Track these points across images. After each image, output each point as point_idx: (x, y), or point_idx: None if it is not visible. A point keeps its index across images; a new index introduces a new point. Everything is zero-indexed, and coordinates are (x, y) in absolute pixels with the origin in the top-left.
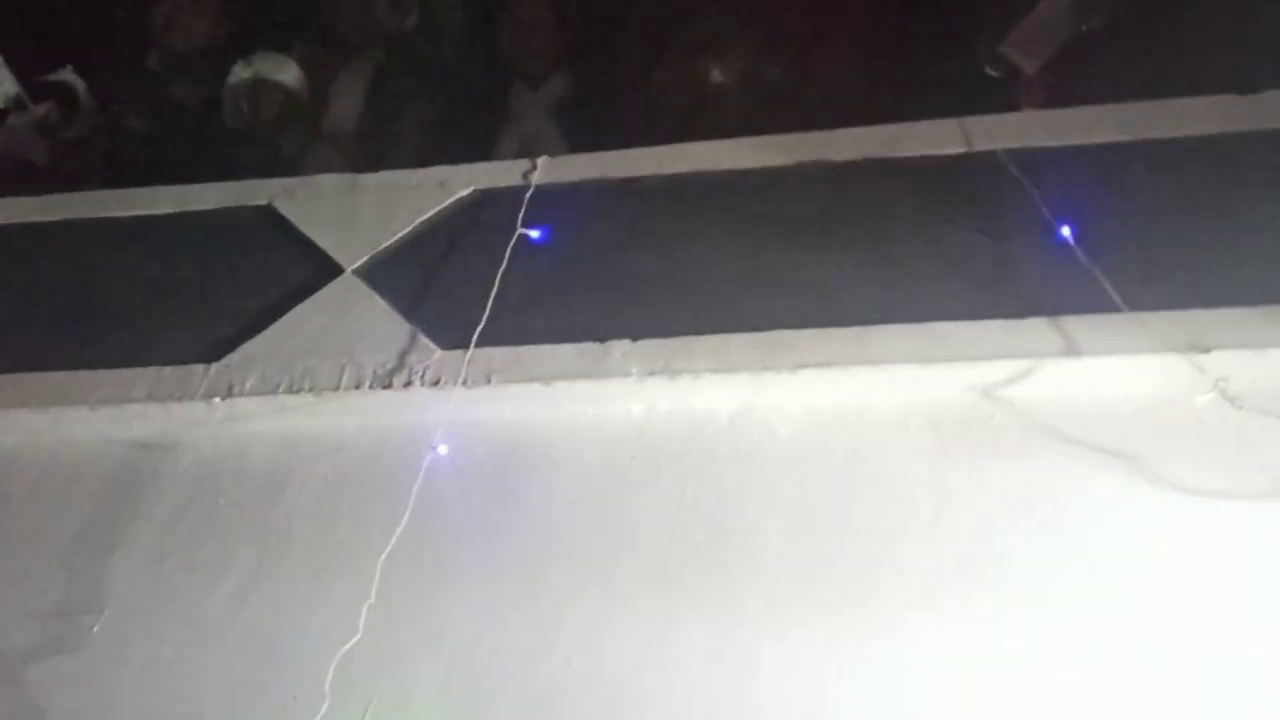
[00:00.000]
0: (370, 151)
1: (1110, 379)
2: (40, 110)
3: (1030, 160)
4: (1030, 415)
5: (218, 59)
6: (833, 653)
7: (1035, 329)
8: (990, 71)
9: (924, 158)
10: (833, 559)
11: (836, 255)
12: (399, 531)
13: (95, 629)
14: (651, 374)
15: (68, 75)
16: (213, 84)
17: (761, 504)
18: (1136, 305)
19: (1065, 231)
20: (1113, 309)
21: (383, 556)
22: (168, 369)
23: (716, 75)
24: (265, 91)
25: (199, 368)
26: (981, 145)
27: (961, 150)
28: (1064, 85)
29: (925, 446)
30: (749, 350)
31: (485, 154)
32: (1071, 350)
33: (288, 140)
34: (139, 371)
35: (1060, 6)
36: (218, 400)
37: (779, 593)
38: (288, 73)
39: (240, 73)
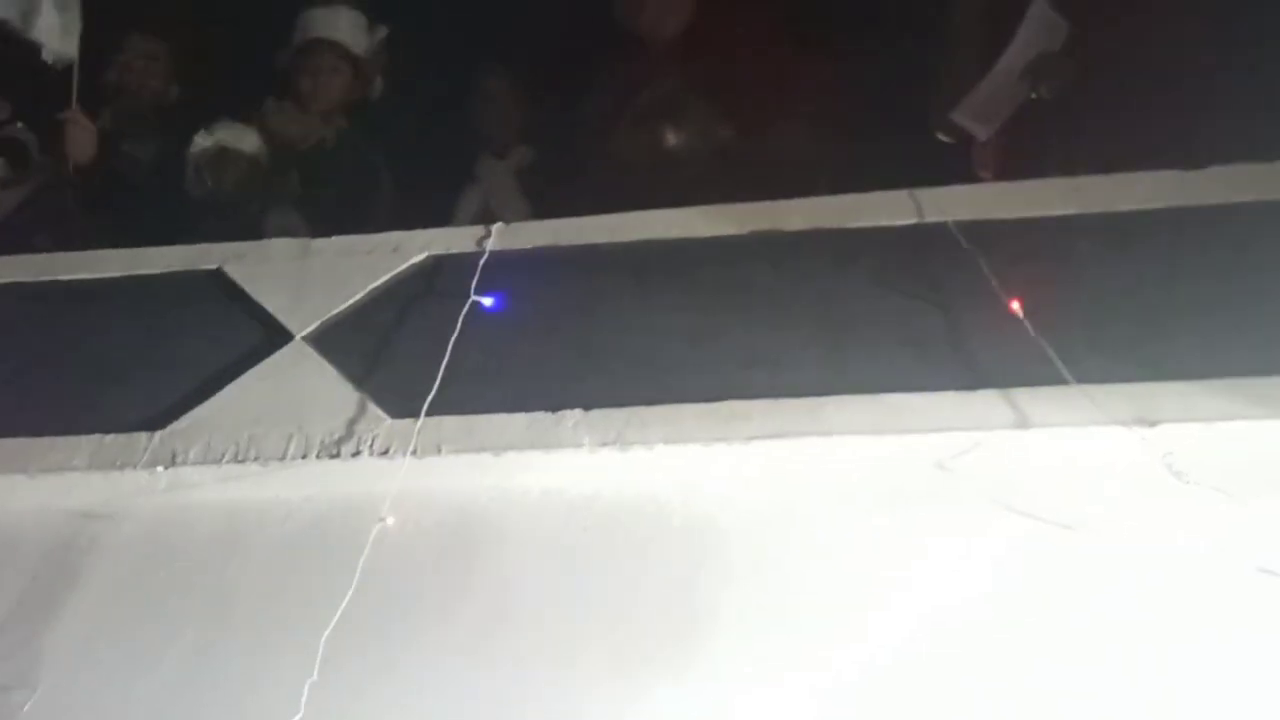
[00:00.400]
0: (332, 216)
1: (1059, 451)
2: None
3: (981, 232)
4: (981, 486)
5: (169, 117)
6: None
7: (986, 401)
8: (941, 137)
9: (876, 228)
10: (790, 628)
11: (789, 325)
12: (343, 606)
13: (26, 708)
14: (604, 444)
15: (18, 130)
16: (164, 142)
17: (717, 575)
18: (1085, 378)
19: (1015, 304)
20: (1061, 381)
21: (326, 632)
22: (110, 436)
23: (670, 138)
24: (227, 160)
25: (143, 435)
26: (933, 216)
27: (913, 221)
28: (1015, 151)
29: (879, 517)
30: (702, 421)
31: (446, 218)
32: (1021, 422)
33: (247, 208)
34: (81, 439)
35: (1011, 74)
36: (161, 469)
37: (738, 663)
38: (248, 141)
39: (202, 141)
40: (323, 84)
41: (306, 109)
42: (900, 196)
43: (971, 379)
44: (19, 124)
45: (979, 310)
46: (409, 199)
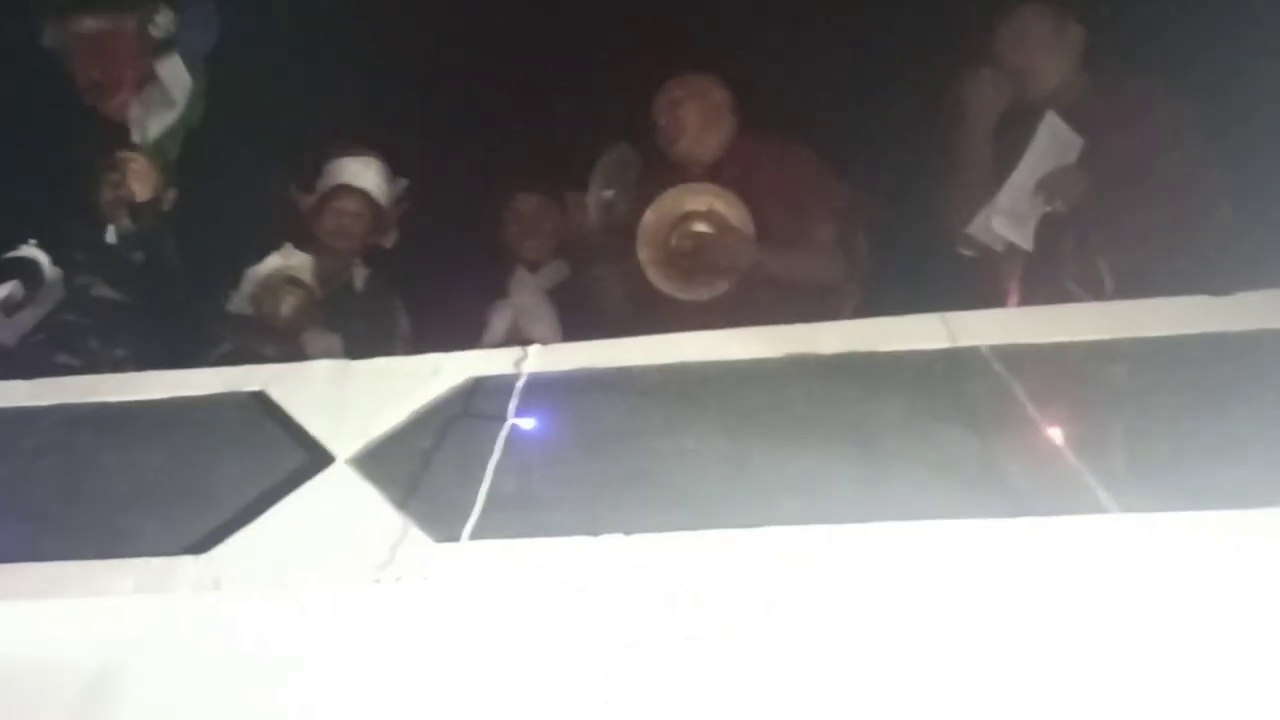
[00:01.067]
0: (366, 340)
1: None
2: (4, 290)
3: (1014, 357)
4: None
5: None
6: None
7: (1024, 530)
8: (964, 251)
9: (908, 352)
10: None
11: (821, 452)
12: None
13: None
14: (638, 568)
15: (30, 250)
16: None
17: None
18: (1126, 506)
19: (1052, 430)
20: (1101, 510)
21: None
22: (155, 560)
23: (701, 229)
24: (289, 289)
25: (187, 559)
26: (965, 341)
27: (945, 345)
28: (1031, 264)
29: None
30: (741, 547)
31: (477, 332)
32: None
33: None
34: (124, 563)
35: (1025, 188)
36: (205, 593)
37: None
38: (308, 271)
39: (271, 264)
40: (347, 225)
41: (324, 250)
42: (931, 320)
43: (1008, 507)
44: (31, 241)
45: (1014, 436)
46: (442, 315)
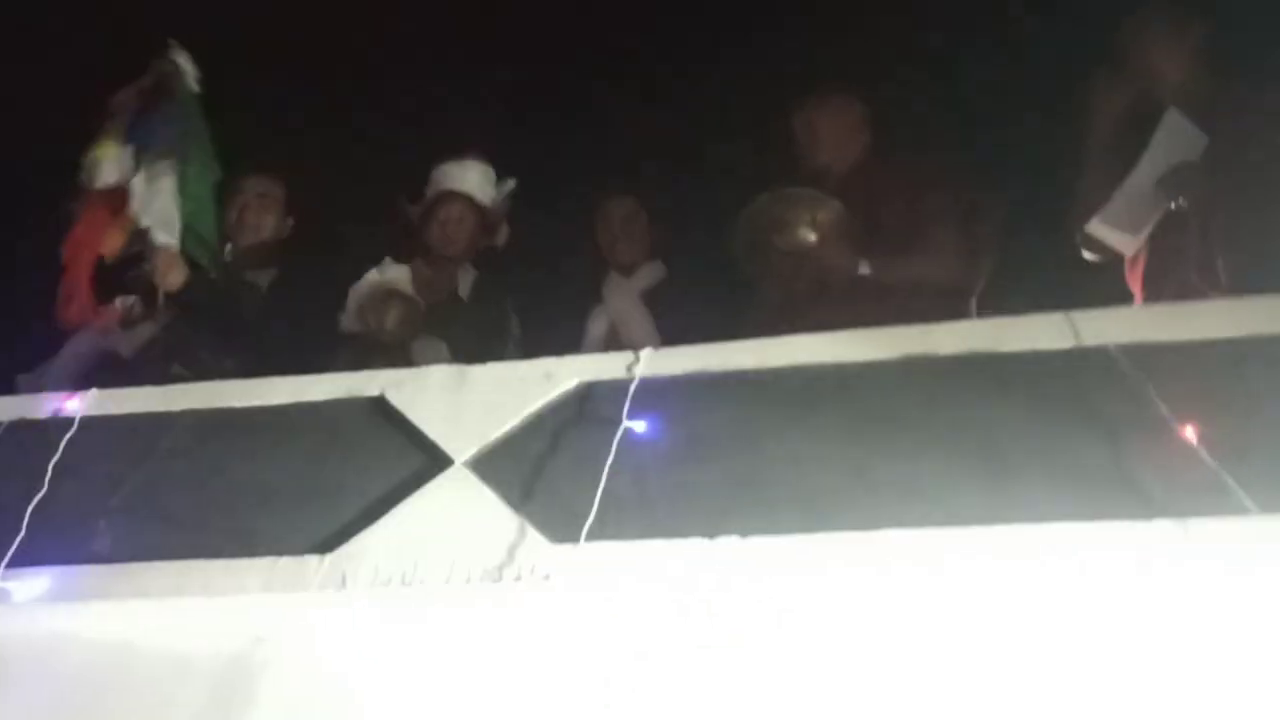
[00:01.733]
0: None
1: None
2: (124, 303)
3: (1144, 356)
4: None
5: (284, 250)
6: None
7: (1161, 532)
8: (1089, 257)
9: (1031, 352)
10: None
11: (943, 453)
12: None
13: None
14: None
15: (148, 270)
16: (281, 271)
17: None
18: (1267, 507)
19: (1187, 430)
20: (1241, 511)
21: None
22: (283, 560)
23: (808, 235)
24: (392, 301)
25: (313, 559)
26: (1091, 340)
27: (1070, 345)
28: (1155, 263)
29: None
30: (855, 551)
31: (578, 337)
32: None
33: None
34: (254, 561)
35: (1145, 186)
36: (331, 592)
37: None
38: (407, 283)
39: (371, 279)
40: (451, 233)
41: (435, 258)
42: (1056, 319)
43: (1143, 509)
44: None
45: (1146, 437)
46: (540, 321)
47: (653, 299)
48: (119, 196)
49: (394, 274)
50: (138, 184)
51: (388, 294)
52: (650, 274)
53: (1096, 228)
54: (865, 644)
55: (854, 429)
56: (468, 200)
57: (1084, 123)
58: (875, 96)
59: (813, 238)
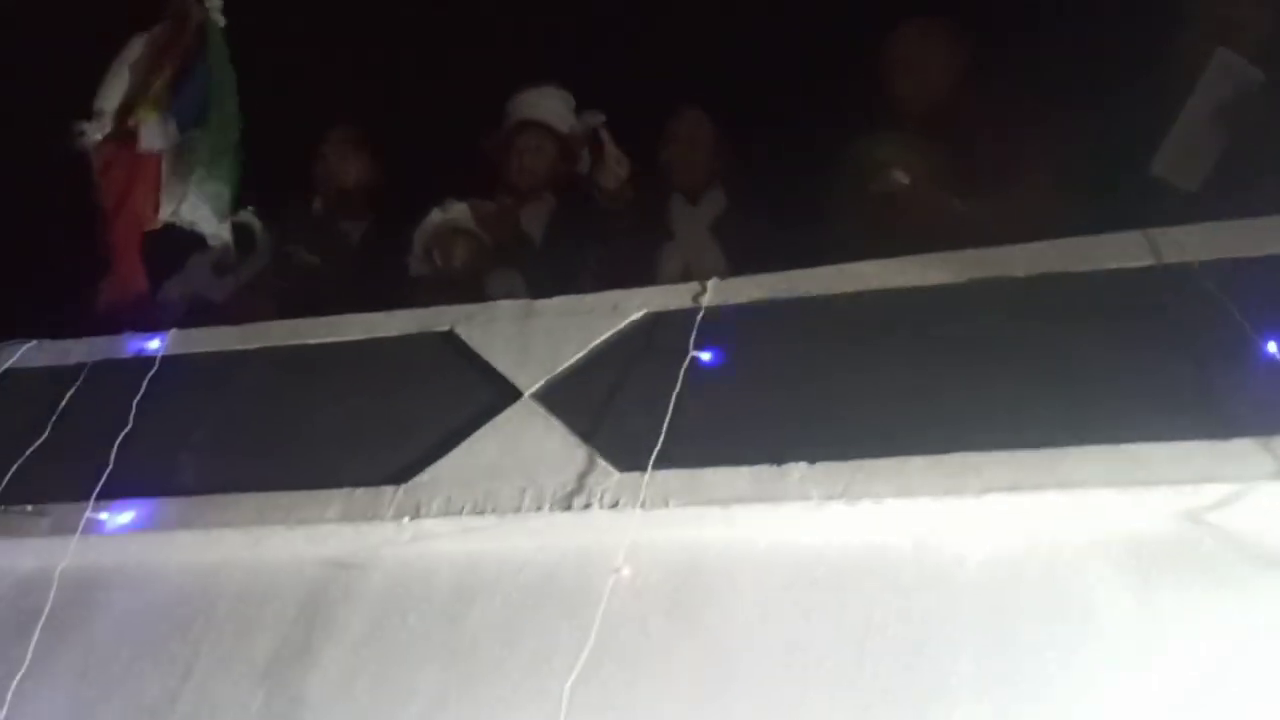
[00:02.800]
0: (554, 283)
1: None
2: (216, 251)
3: (1226, 272)
4: (1243, 542)
5: (374, 199)
6: None
7: (1243, 451)
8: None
9: (1110, 271)
10: (1031, 695)
11: (1019, 375)
12: (585, 654)
13: None
14: (831, 498)
15: (247, 216)
16: (374, 220)
17: (951, 635)
18: None
19: (1271, 347)
20: None
21: (570, 681)
22: (359, 490)
23: (900, 179)
24: (457, 239)
25: (388, 489)
26: (1172, 258)
27: (1150, 263)
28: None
29: (1127, 576)
30: (931, 474)
31: (651, 273)
32: None
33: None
34: (332, 493)
35: (1199, 119)
36: (406, 520)
37: None
38: (468, 218)
39: (433, 219)
40: (528, 163)
41: (514, 190)
42: (1135, 238)
43: (1225, 427)
44: (249, 209)
45: (1228, 355)
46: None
47: (721, 232)
48: (156, 164)
49: (455, 212)
50: (170, 176)
51: (452, 231)
52: (716, 202)
53: (1158, 168)
54: (937, 568)
55: (925, 353)
56: (545, 129)
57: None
58: (966, 27)
59: (907, 181)
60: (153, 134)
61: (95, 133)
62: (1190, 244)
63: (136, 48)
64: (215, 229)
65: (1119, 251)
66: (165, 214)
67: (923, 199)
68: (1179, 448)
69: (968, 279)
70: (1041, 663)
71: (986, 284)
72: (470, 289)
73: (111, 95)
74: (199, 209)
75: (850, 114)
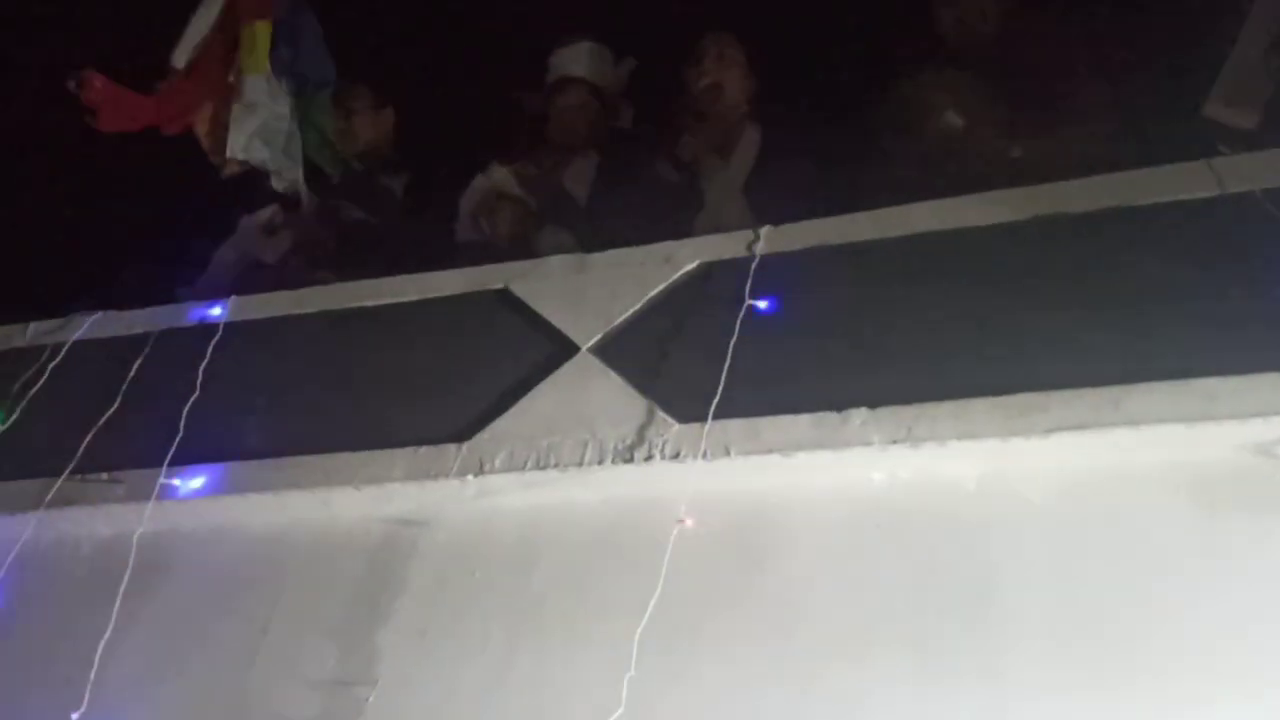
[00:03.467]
0: (597, 233)
1: None
2: (265, 213)
3: None
4: None
5: (413, 153)
6: None
7: None
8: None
9: (1171, 204)
10: (1097, 632)
11: (1081, 311)
12: (653, 603)
13: (370, 699)
14: (893, 442)
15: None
16: (413, 175)
17: (1017, 573)
18: None
19: None
20: None
21: (640, 628)
22: (423, 449)
23: (953, 120)
24: (504, 206)
25: (451, 447)
26: (1235, 187)
27: (1213, 193)
28: None
29: (1196, 511)
30: (994, 414)
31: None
32: None
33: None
34: (396, 452)
35: (1254, 54)
36: (470, 477)
37: (1040, 666)
38: (511, 183)
39: (479, 186)
40: (570, 120)
41: (556, 147)
42: (1197, 167)
43: None
44: None
45: None
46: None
47: (757, 185)
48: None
49: (499, 177)
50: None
51: (497, 197)
52: (749, 148)
53: (1212, 109)
54: (1002, 508)
55: (984, 293)
56: (585, 84)
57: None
58: None
59: (960, 122)
60: (257, 90)
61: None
62: (1253, 172)
63: (214, 5)
64: (288, 170)
65: (1181, 182)
66: (235, 150)
67: (978, 139)
68: (1246, 380)
69: (1027, 216)
70: (1109, 600)
71: (1046, 220)
72: (520, 251)
73: (184, 51)
74: (275, 151)
75: (896, 52)
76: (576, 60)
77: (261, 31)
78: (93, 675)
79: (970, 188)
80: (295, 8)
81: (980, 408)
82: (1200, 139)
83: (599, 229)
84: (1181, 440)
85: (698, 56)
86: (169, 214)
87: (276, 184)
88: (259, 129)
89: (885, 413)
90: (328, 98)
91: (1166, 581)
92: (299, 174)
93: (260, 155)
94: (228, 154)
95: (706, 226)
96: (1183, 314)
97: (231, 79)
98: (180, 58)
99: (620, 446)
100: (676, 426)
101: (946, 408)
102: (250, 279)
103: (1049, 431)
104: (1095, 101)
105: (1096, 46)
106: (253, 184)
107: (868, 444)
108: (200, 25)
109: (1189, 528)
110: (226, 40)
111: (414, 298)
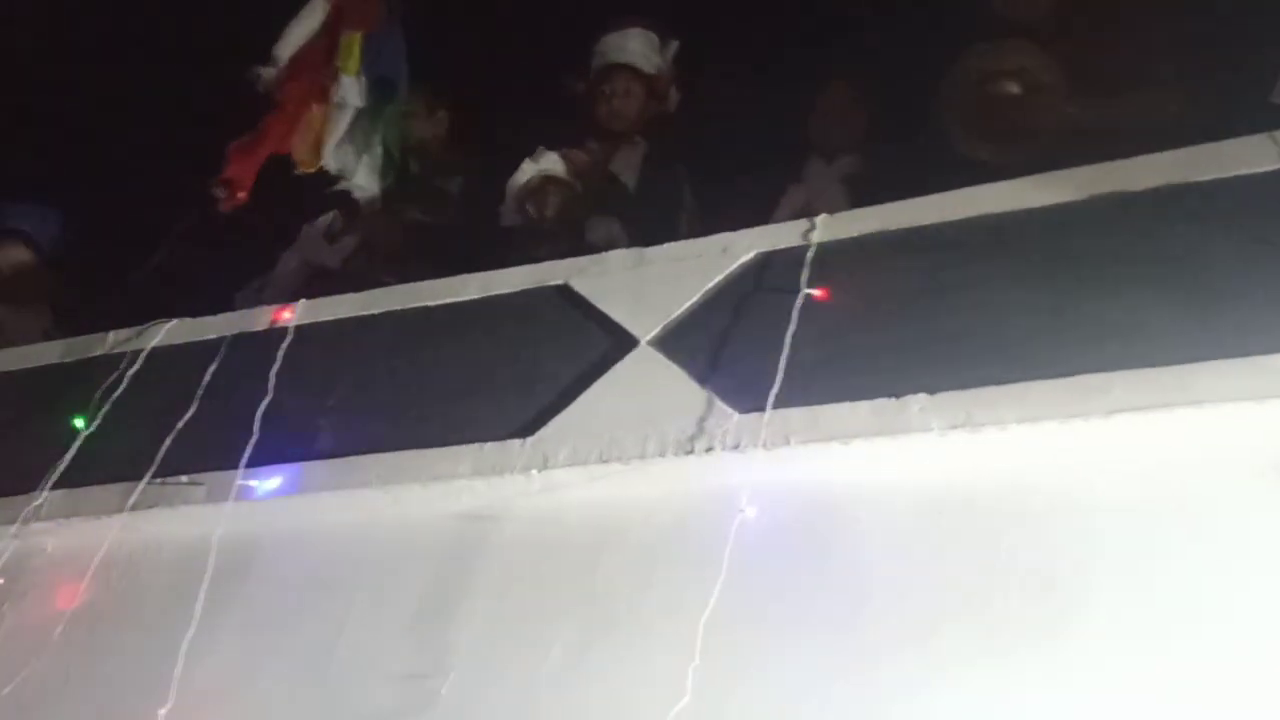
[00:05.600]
0: (651, 226)
1: None
2: (325, 219)
3: None
4: None
5: (465, 154)
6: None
7: None
8: None
9: (1234, 179)
10: (1171, 618)
11: (1144, 291)
12: (716, 593)
13: (443, 691)
14: (954, 427)
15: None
16: (466, 177)
17: (1086, 559)
18: None
19: None
20: None
21: (704, 618)
22: (488, 445)
23: (1012, 88)
24: (550, 190)
25: (516, 442)
26: None
27: (1276, 166)
28: None
29: (1269, 493)
30: (1056, 397)
31: (765, 216)
32: None
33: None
34: (462, 449)
35: None
36: (535, 472)
37: (1113, 653)
38: (560, 168)
39: (527, 170)
40: (618, 107)
41: (606, 134)
42: (1259, 141)
43: None
44: None
45: None
46: (728, 197)
47: (854, 185)
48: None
49: (547, 162)
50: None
51: (544, 181)
52: (852, 164)
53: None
54: (1067, 492)
55: (1043, 275)
56: (632, 71)
57: None
58: None
59: (1019, 91)
60: (350, 91)
61: (269, 78)
62: None
63: (319, 6)
64: (367, 182)
65: (1244, 156)
66: (326, 158)
67: (1039, 108)
68: None
69: (1086, 196)
70: (1181, 586)
71: (1106, 200)
72: (567, 237)
73: (288, 46)
74: (357, 163)
75: (958, 21)
76: (623, 47)
77: (358, 39)
78: (178, 671)
79: (1032, 159)
80: (391, 23)
81: (1042, 391)
82: (1264, 109)
83: (651, 217)
84: (1251, 419)
85: (824, 104)
86: (231, 224)
87: (352, 190)
88: (346, 134)
89: (944, 398)
90: (396, 110)
91: (1239, 566)
92: (376, 180)
93: (342, 161)
94: (322, 159)
95: (798, 195)
96: (1248, 291)
97: (327, 83)
98: (284, 51)
99: (681, 438)
100: (736, 417)
101: (1006, 392)
102: (315, 285)
103: (1110, 413)
104: (1156, 69)
105: (1168, 21)
106: (313, 191)
107: (927, 430)
108: (303, 27)
109: (1262, 509)
110: (328, 46)
111: (475, 296)
